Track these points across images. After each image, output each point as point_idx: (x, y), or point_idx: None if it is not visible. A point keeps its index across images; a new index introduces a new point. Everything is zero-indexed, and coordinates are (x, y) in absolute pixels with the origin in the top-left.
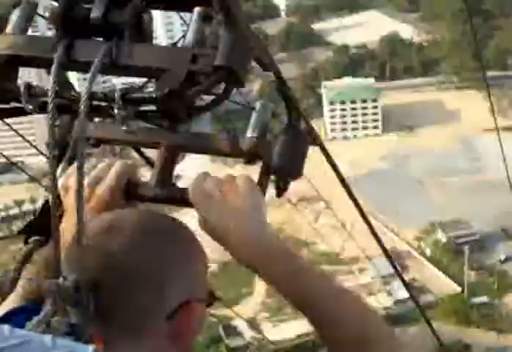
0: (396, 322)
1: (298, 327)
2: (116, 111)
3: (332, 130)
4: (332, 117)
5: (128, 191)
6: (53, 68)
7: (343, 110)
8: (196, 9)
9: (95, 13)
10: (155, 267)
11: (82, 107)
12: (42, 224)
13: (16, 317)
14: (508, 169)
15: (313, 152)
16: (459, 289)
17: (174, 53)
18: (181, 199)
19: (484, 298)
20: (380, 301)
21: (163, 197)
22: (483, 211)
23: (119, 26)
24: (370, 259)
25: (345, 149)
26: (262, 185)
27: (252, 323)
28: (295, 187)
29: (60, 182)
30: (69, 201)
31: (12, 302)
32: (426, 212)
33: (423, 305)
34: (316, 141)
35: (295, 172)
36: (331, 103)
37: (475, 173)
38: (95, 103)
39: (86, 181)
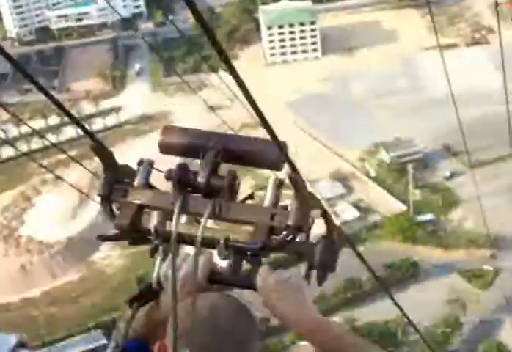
0: None
1: None
2: (219, 252)
3: (272, 54)
4: (271, 42)
5: (210, 278)
6: (175, 217)
7: (281, 34)
8: (272, 178)
9: (201, 178)
10: (247, 337)
11: (195, 250)
12: (143, 296)
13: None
14: (450, 86)
15: (252, 78)
16: (405, 208)
17: (259, 211)
18: (249, 287)
19: (429, 216)
20: None
21: (235, 283)
22: (424, 129)
23: (219, 189)
24: (315, 182)
25: (285, 73)
26: (307, 276)
27: None
28: (236, 114)
29: (162, 272)
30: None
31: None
32: (369, 133)
33: (370, 225)
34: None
35: (332, 269)
36: (269, 28)
37: (415, 92)
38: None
39: (181, 274)
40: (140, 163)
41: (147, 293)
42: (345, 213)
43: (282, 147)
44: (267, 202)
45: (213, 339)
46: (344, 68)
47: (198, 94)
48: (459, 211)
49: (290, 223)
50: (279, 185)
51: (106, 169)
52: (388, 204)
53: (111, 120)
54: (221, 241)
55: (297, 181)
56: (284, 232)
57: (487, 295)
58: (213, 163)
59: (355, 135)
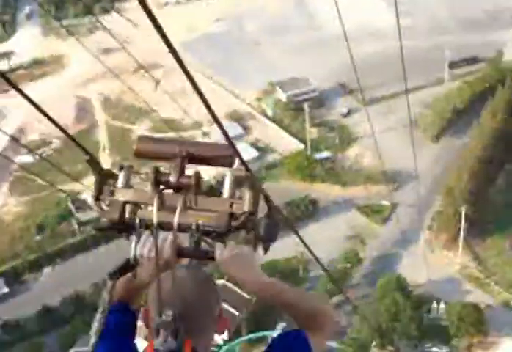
0: None
1: None
2: (190, 235)
3: None
4: None
5: (178, 253)
6: (155, 210)
7: None
8: (228, 174)
9: (172, 178)
10: (209, 302)
11: (171, 237)
12: (121, 269)
13: (110, 316)
14: (344, 24)
15: (146, 19)
16: (302, 146)
17: (220, 202)
18: (210, 258)
19: (327, 154)
20: None
21: (198, 256)
22: (320, 68)
23: (187, 185)
24: (212, 124)
25: (180, 13)
26: (255, 247)
27: None
28: (129, 57)
29: (138, 250)
30: (144, 262)
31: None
32: (264, 72)
33: (269, 164)
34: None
35: (274, 240)
36: None
37: (310, 30)
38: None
39: (153, 251)
40: (121, 168)
41: (125, 267)
42: (243, 153)
43: (235, 150)
44: (226, 194)
45: (181, 303)
46: (238, 7)
47: (87, 38)
48: (356, 148)
49: (245, 209)
50: (235, 179)
51: (96, 174)
52: (286, 143)
53: (2, 65)
54: (193, 226)
55: (249, 177)
56: (241, 216)
57: (385, 230)
58: (181, 166)
59: (250, 74)
